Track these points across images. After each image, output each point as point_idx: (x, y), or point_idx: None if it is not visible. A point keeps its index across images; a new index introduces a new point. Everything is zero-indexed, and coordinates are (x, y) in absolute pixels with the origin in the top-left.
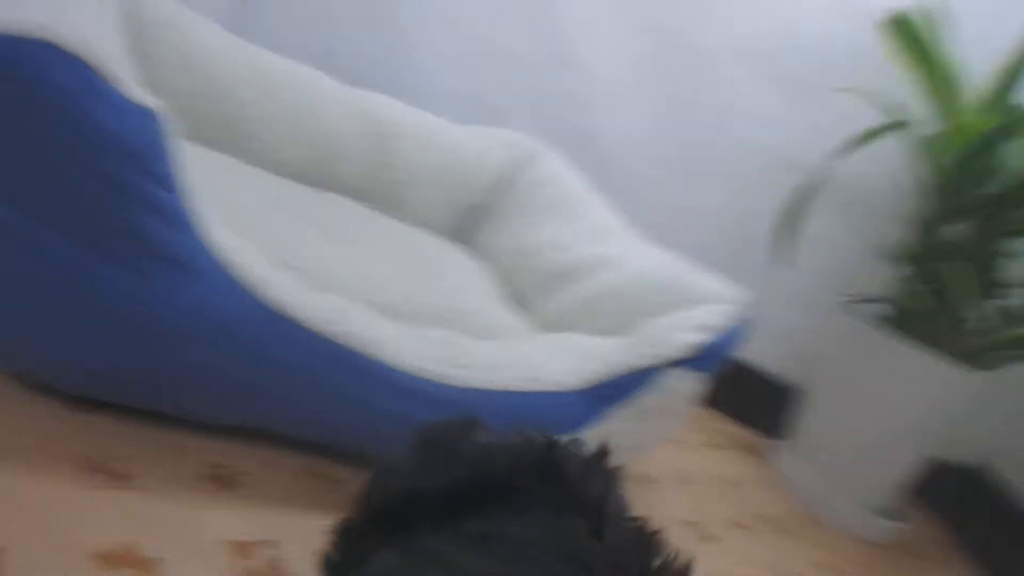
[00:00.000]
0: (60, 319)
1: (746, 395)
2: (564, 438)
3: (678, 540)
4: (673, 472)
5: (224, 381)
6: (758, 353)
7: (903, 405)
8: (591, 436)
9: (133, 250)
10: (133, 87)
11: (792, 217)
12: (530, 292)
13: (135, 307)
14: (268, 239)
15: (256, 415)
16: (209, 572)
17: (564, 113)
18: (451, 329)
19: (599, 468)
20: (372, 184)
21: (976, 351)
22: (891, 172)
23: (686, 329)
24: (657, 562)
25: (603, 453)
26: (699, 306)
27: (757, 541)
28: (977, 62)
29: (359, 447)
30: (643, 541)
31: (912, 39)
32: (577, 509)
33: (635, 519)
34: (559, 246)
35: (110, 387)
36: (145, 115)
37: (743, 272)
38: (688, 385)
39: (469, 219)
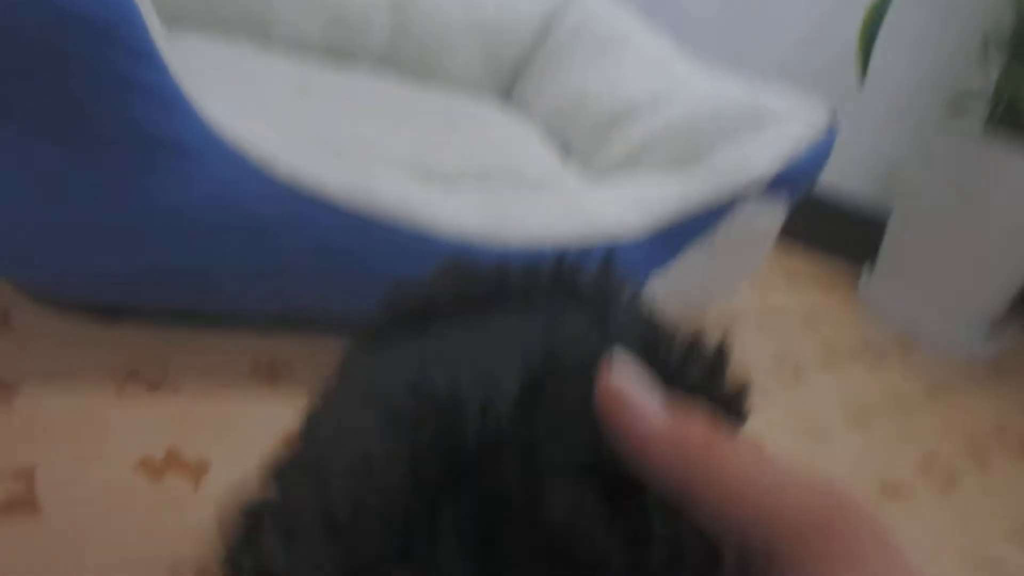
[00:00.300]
0: (75, 232)
1: (830, 223)
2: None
3: (767, 379)
4: (756, 309)
5: (252, 268)
6: (842, 177)
7: (1004, 214)
8: (662, 281)
9: (130, 144)
10: None
11: (876, 18)
12: (582, 143)
13: (145, 205)
14: (290, 123)
15: (292, 301)
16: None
17: None
18: (496, 187)
19: (610, 276)
20: (401, 50)
21: None
22: None
23: (760, 155)
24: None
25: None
26: (774, 128)
27: (850, 372)
28: None
29: None
30: (656, 331)
31: None
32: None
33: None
34: (609, 89)
35: (139, 292)
36: None
37: (824, 91)
38: (767, 216)
39: (507, 76)
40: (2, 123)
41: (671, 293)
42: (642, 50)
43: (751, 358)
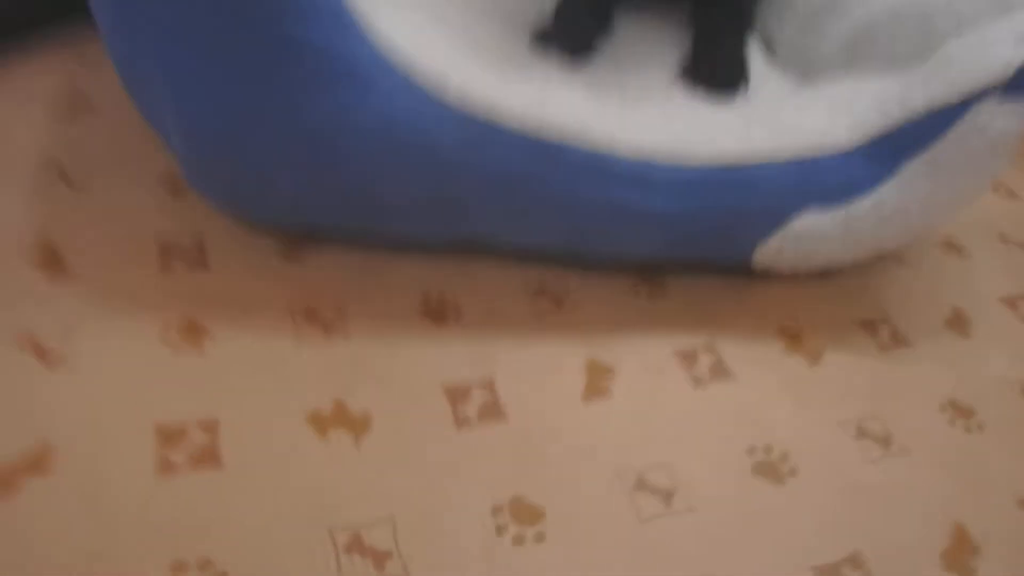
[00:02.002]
0: (257, 149)
1: None
2: None
3: (997, 320)
4: (990, 233)
5: (424, 194)
6: None
7: None
8: (885, 201)
9: (302, 67)
10: None
11: None
12: (789, 35)
13: (317, 128)
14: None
15: (465, 230)
16: (425, 426)
17: None
18: (677, 98)
19: None
20: None
21: None
22: None
23: (1001, 43)
24: None
25: None
26: (1019, 10)
27: None
28: None
29: (590, 252)
30: None
31: None
32: None
33: None
34: None
35: (319, 212)
36: None
37: None
38: (1009, 120)
39: None
40: (193, 49)
41: (886, 216)
42: None
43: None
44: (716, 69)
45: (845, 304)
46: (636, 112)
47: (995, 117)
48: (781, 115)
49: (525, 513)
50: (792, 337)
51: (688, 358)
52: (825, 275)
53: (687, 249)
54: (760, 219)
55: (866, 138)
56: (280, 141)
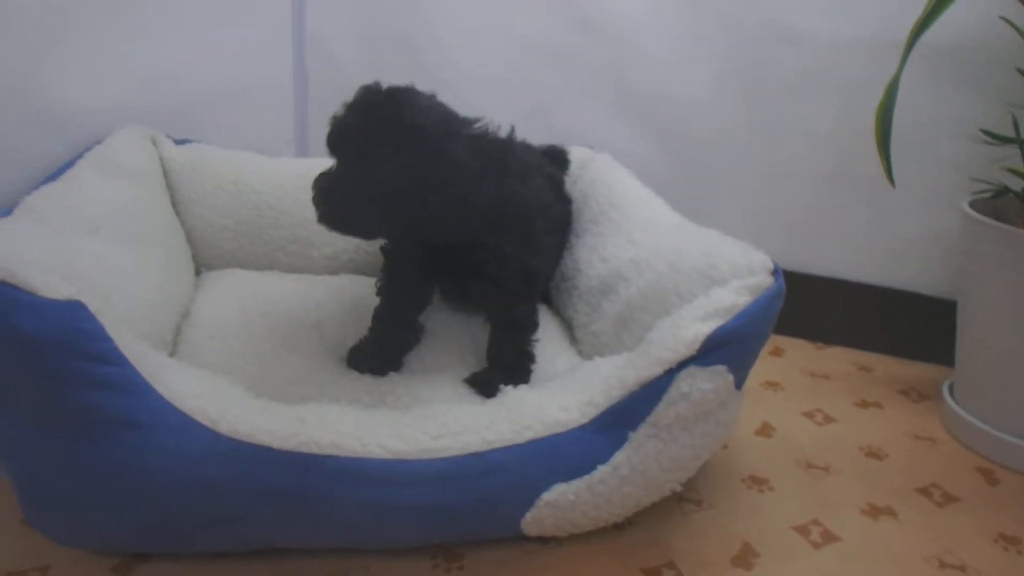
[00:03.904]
0: (71, 495)
1: (900, 324)
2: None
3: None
4: (792, 461)
5: (214, 516)
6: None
7: None
8: (621, 465)
9: (98, 425)
10: (54, 287)
11: (886, 114)
12: (580, 322)
13: (122, 473)
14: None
15: (260, 540)
16: None
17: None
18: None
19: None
20: None
21: None
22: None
23: (692, 320)
24: None
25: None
26: (719, 287)
27: (941, 516)
28: None
29: (363, 543)
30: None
31: None
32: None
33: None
34: (601, 258)
35: (139, 543)
36: (63, 308)
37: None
38: (714, 381)
39: None
40: (15, 417)
41: (626, 477)
42: (636, 215)
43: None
44: (506, 367)
45: (631, 555)
46: (397, 417)
47: (696, 382)
48: (522, 404)
49: None
50: None
51: None
52: (618, 526)
53: (456, 532)
54: (512, 498)
55: (590, 415)
56: (93, 485)
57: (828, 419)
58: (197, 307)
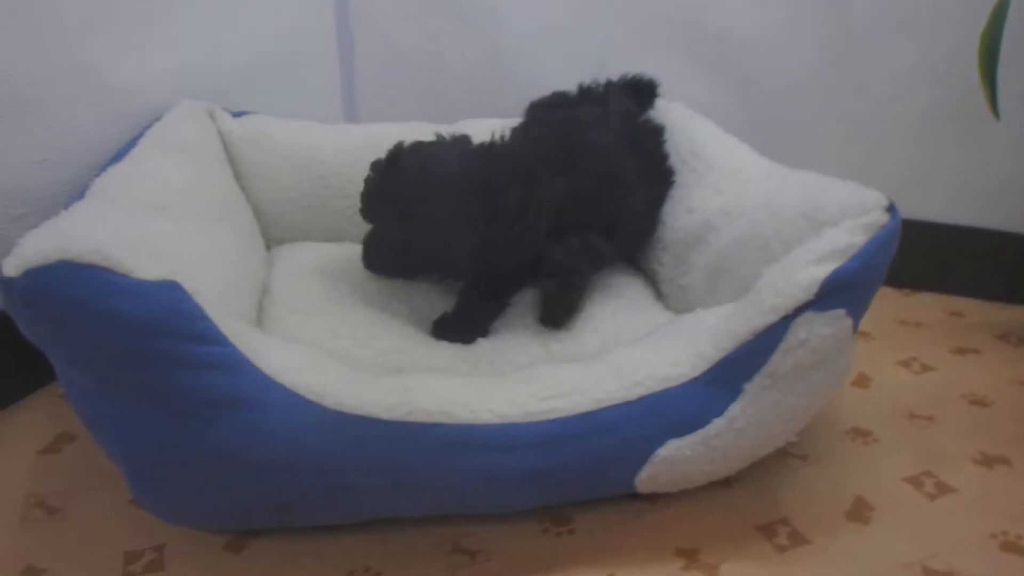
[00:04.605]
0: (179, 473)
1: (993, 266)
2: None
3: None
4: (898, 412)
5: (322, 490)
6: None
7: None
8: (737, 418)
9: (203, 404)
10: (146, 268)
11: (992, 41)
12: (666, 277)
13: (229, 451)
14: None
15: (369, 511)
16: None
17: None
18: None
19: None
20: None
21: None
22: None
23: (806, 264)
24: None
25: None
26: (828, 229)
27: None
28: None
29: (472, 510)
30: None
31: None
32: None
33: None
34: (687, 208)
35: (246, 519)
36: (160, 288)
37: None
38: (833, 326)
39: None
40: (119, 399)
41: (742, 430)
42: (720, 164)
43: None
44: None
45: (742, 511)
46: (501, 382)
47: (814, 327)
48: (626, 360)
49: None
50: (689, 556)
51: None
52: (725, 483)
53: (566, 494)
54: (626, 457)
55: (702, 368)
56: (199, 464)
57: (925, 367)
58: (273, 283)
